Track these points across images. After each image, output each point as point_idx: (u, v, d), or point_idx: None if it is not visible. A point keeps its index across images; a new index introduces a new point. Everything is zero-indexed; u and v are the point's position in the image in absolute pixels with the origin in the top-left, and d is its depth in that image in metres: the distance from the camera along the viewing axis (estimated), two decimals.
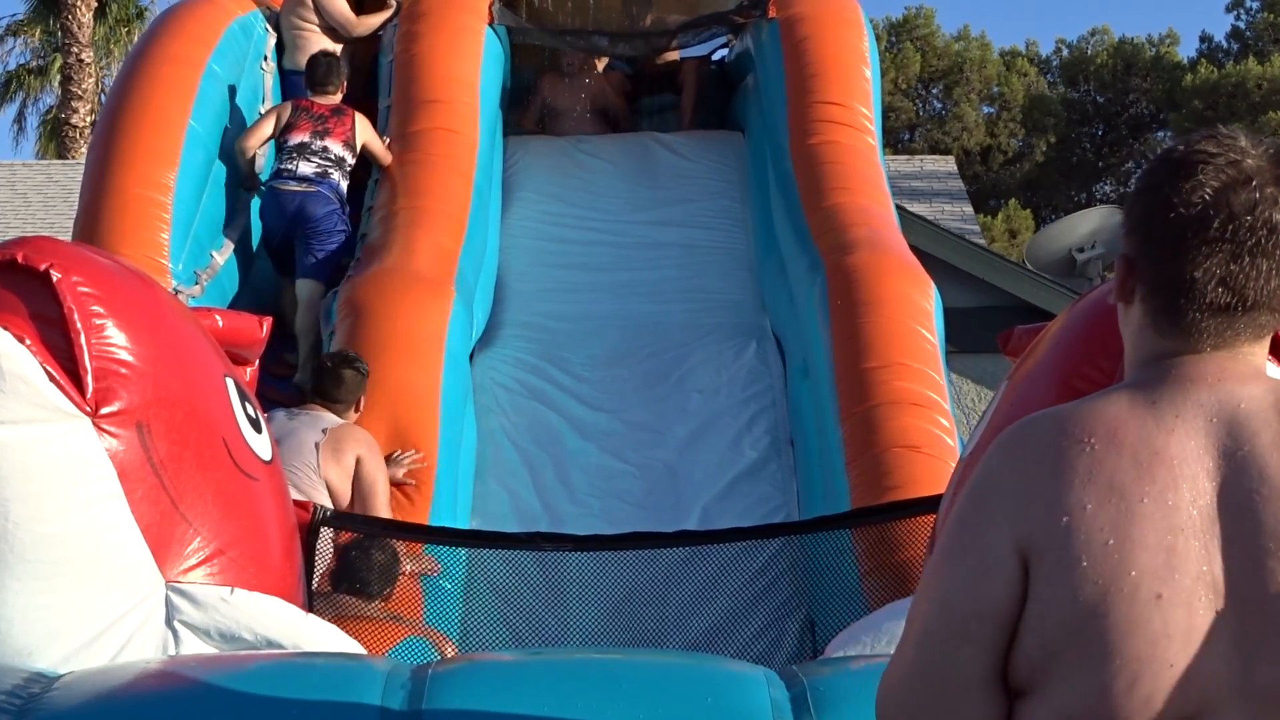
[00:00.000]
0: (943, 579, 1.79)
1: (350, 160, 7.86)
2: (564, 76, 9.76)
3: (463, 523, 6.40)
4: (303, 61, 8.48)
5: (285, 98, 8.54)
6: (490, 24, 8.87)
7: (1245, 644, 1.67)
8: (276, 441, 5.50)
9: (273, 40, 8.64)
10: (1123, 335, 1.91)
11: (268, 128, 7.91)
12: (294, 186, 7.72)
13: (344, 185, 7.85)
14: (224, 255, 7.56)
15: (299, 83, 8.46)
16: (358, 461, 5.80)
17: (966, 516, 1.79)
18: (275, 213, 7.77)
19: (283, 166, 7.78)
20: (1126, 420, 1.75)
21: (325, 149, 7.79)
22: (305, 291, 7.67)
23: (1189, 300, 1.79)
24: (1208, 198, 1.77)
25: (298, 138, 7.80)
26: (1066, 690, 1.69)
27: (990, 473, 1.79)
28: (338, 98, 8.03)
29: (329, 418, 5.96)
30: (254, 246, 7.98)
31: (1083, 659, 1.68)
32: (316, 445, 5.77)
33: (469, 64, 8.48)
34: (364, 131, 7.91)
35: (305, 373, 7.32)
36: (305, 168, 7.74)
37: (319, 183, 7.74)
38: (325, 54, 8.20)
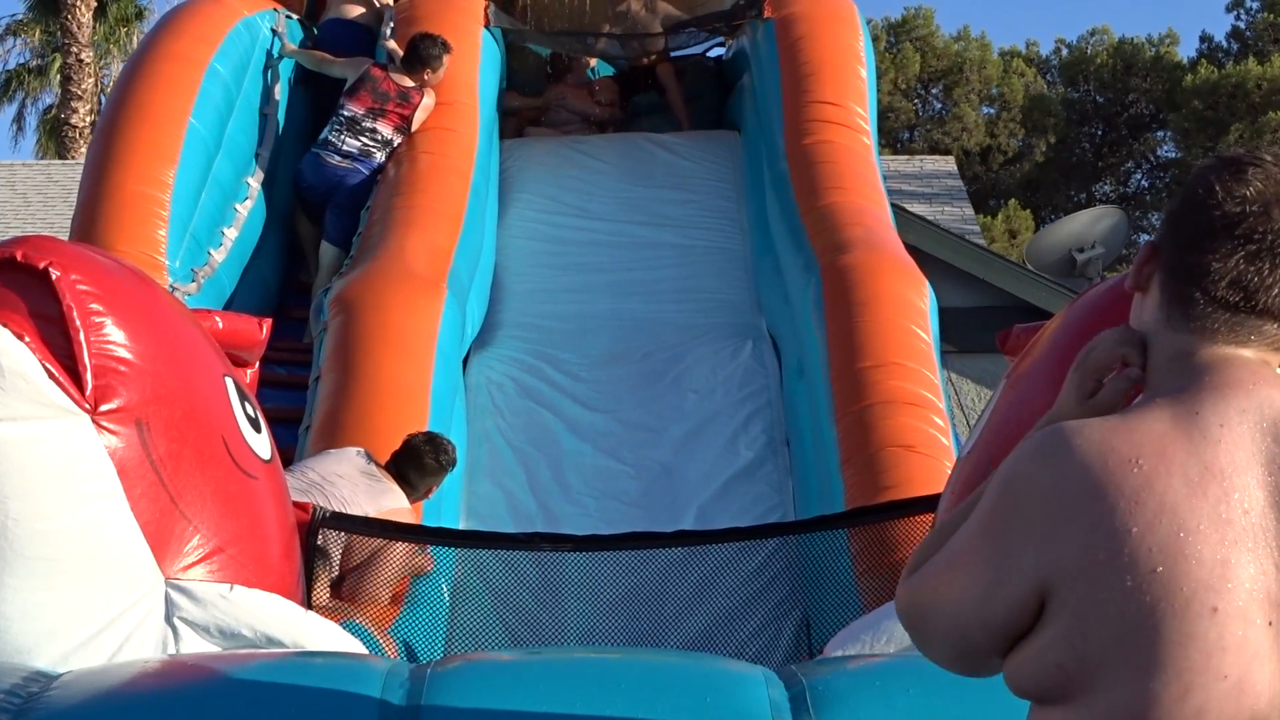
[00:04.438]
0: (965, 576, 1.81)
1: (399, 141, 8.14)
2: (557, 80, 9.83)
3: (450, 520, 6.38)
4: (350, 11, 8.77)
5: (320, 46, 8.75)
6: (485, 26, 8.90)
7: None
8: (341, 478, 5.44)
9: (282, 29, 8.64)
10: (1136, 327, 1.90)
11: (345, 72, 8.27)
12: (336, 160, 8.10)
13: (386, 162, 8.13)
14: (222, 253, 7.57)
15: (341, 33, 8.74)
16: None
17: (998, 523, 1.78)
18: (315, 177, 8.14)
19: (329, 137, 8.14)
20: (1174, 436, 1.72)
21: (375, 130, 8.09)
22: (328, 256, 7.99)
23: (1201, 290, 1.79)
24: (1250, 195, 1.79)
25: (353, 109, 8.10)
26: (1111, 700, 1.68)
27: (1026, 480, 1.77)
28: (413, 83, 8.18)
29: (396, 496, 5.61)
30: (254, 245, 7.99)
31: (1131, 670, 1.67)
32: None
33: (466, 65, 8.51)
34: (421, 118, 8.16)
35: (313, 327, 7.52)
36: (350, 144, 8.08)
37: (360, 160, 8.09)
38: (428, 37, 8.27)
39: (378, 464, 5.70)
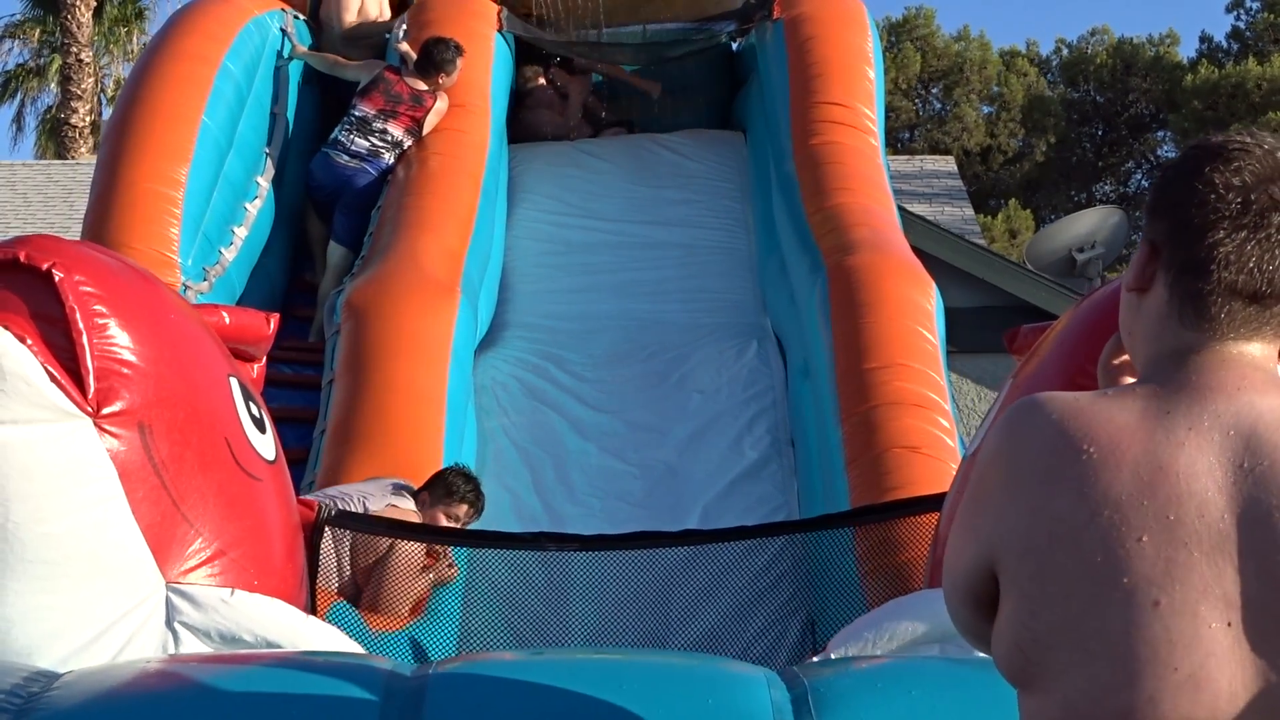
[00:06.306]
0: (953, 542, 1.86)
1: (409, 143, 8.13)
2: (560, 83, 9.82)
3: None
4: (343, 16, 8.78)
5: (316, 47, 8.74)
6: (499, 31, 8.91)
7: (1261, 657, 1.67)
8: (367, 494, 5.45)
9: (291, 33, 8.65)
10: (1131, 328, 1.87)
11: (358, 74, 8.29)
12: (344, 160, 8.10)
13: (395, 164, 8.12)
14: (233, 252, 7.56)
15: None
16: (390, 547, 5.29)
17: (971, 493, 1.83)
18: (325, 176, 8.14)
19: (339, 137, 8.15)
20: (1134, 431, 1.72)
21: (385, 131, 8.09)
22: (335, 256, 8.00)
23: (1220, 283, 1.76)
24: (1248, 181, 1.76)
25: (364, 109, 8.11)
26: (1068, 684, 1.70)
27: (992, 453, 1.80)
28: (427, 87, 8.18)
29: (406, 500, 5.64)
30: (262, 244, 7.98)
31: (1081, 655, 1.69)
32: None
33: (479, 68, 8.52)
34: (433, 121, 8.16)
35: (318, 333, 7.61)
36: (359, 144, 8.08)
37: (368, 160, 8.08)
38: (441, 41, 8.27)
39: (411, 488, 5.71)
